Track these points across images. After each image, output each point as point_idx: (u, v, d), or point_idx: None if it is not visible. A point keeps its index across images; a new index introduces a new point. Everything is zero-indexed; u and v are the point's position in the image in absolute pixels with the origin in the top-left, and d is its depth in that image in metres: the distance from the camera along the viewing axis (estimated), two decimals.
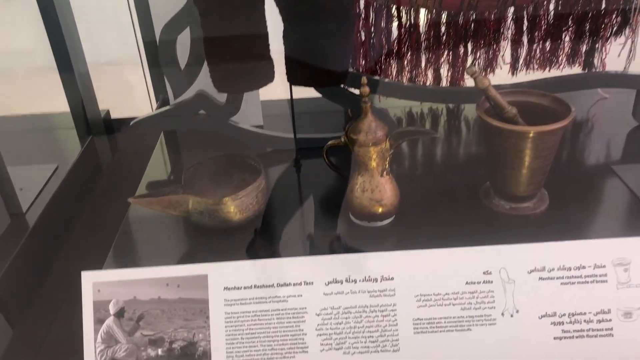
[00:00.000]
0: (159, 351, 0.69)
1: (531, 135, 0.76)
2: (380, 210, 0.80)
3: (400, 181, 0.82)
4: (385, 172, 0.79)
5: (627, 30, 1.03)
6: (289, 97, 0.93)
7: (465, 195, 0.88)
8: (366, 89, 0.75)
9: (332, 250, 0.79)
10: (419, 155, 1.01)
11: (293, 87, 0.93)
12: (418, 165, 0.99)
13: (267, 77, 0.94)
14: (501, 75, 1.13)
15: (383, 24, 1.05)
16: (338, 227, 0.83)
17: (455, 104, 1.14)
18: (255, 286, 0.70)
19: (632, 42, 1.02)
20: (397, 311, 0.69)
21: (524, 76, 1.12)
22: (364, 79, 0.74)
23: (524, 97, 0.83)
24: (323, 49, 0.90)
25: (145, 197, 0.78)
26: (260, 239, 0.82)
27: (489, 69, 1.12)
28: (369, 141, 0.76)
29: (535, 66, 1.13)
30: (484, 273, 0.69)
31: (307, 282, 0.70)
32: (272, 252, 0.81)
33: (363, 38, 1.05)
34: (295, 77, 0.92)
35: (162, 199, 0.78)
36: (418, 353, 0.68)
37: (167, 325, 0.69)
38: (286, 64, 0.92)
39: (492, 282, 0.69)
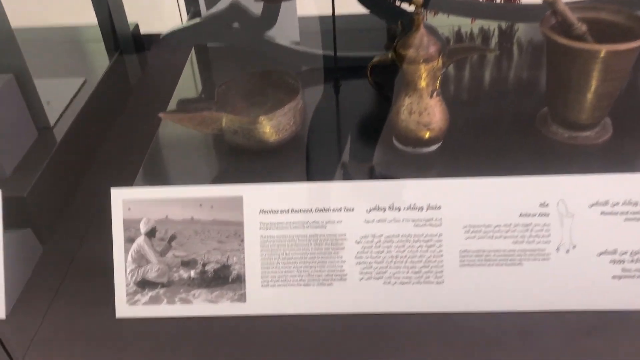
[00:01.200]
0: (192, 273, 0.66)
1: (602, 55, 0.68)
2: (427, 135, 0.74)
3: (448, 104, 0.75)
4: (435, 93, 0.73)
5: None
6: (328, 12, 0.86)
7: (520, 122, 0.81)
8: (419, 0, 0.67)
9: (372, 177, 0.75)
10: (470, 77, 0.94)
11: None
12: (468, 88, 0.92)
13: None
14: None
15: None
16: (380, 153, 0.78)
17: (509, 23, 1.04)
18: (292, 210, 0.66)
19: None
20: (443, 242, 0.64)
21: None
22: None
23: (595, 13, 0.74)
24: None
25: (177, 112, 0.74)
26: (297, 162, 0.77)
27: None
28: (420, 57, 0.69)
29: None
30: (541, 205, 0.64)
31: (347, 208, 0.65)
32: (309, 175, 0.76)
33: None
34: None
35: (195, 116, 0.74)
36: (463, 286, 0.64)
37: (200, 246, 0.67)
38: None
39: (548, 214, 0.64)
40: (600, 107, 0.73)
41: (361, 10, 0.91)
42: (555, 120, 0.77)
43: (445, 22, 1.06)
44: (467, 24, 1.07)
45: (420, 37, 0.70)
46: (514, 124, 0.81)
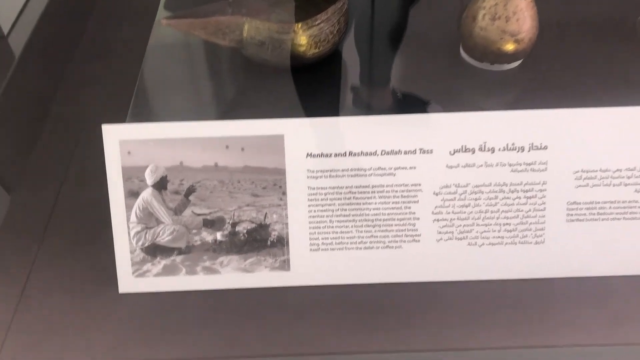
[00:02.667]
0: (218, 235, 0.51)
1: None
2: (513, 47, 0.57)
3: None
4: None
5: None
6: None
7: (620, 33, 0.64)
8: None
9: (444, 104, 0.58)
10: None
11: None
12: None
13: None
14: None
15: None
16: (446, 70, 0.61)
17: None
18: (350, 153, 0.49)
19: None
20: (548, 191, 0.50)
21: None
22: None
23: None
24: None
25: (185, 17, 0.54)
26: (343, 85, 0.59)
27: None
28: None
29: None
30: None
31: (424, 149, 0.49)
32: (361, 105, 0.59)
33: None
34: None
35: (207, 21, 0.54)
36: (569, 246, 0.51)
37: (229, 202, 0.50)
38: None
39: None
40: None
41: None
42: None
43: None
44: None
45: None
46: (613, 34, 0.64)
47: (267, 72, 0.59)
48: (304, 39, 0.56)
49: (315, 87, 0.59)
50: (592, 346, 0.47)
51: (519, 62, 0.60)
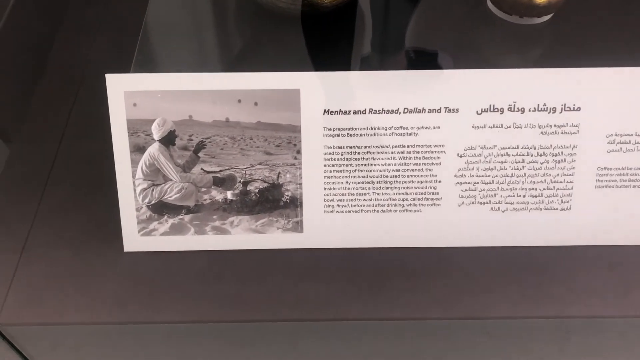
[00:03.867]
0: (229, 194, 0.48)
1: None
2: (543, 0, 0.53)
3: None
4: None
5: None
6: None
7: None
8: None
9: (470, 60, 0.55)
10: None
11: None
12: None
13: None
14: None
15: None
16: (472, 23, 0.57)
17: None
18: (371, 111, 0.46)
19: None
20: (578, 155, 0.47)
21: None
22: None
23: None
24: None
25: None
26: (363, 37, 0.55)
27: None
28: None
29: None
30: None
31: (449, 108, 0.46)
32: (381, 58, 0.55)
33: None
34: None
35: None
36: (596, 214, 0.48)
37: (240, 159, 0.48)
38: None
39: None
40: None
41: None
42: None
43: None
44: None
45: None
46: None
47: (282, 21, 0.55)
48: None
49: (334, 39, 0.55)
50: (608, 317, 0.45)
51: (550, 15, 0.56)
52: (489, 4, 0.57)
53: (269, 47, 0.55)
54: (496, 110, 0.46)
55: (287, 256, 0.49)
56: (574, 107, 0.46)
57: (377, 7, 0.56)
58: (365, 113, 0.46)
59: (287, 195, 0.48)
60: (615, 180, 0.48)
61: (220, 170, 0.48)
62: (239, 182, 0.48)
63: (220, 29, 0.57)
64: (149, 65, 0.54)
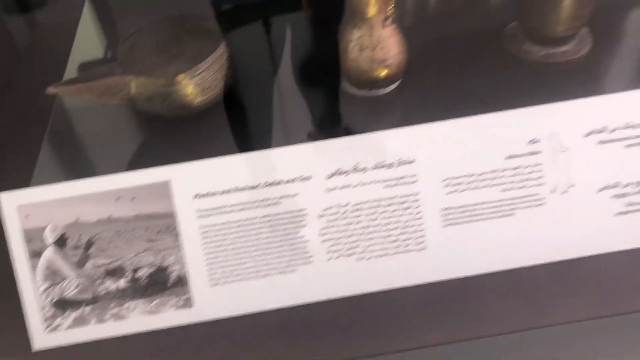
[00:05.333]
0: (121, 282, 0.54)
1: None
2: (384, 73, 0.62)
3: (404, 31, 0.63)
4: (389, 21, 0.60)
5: None
6: None
7: (487, 44, 0.69)
8: None
9: (326, 133, 0.62)
10: None
11: None
12: (424, 9, 0.79)
13: None
14: None
15: None
16: (329, 101, 0.65)
17: None
18: (236, 189, 0.53)
19: None
20: (421, 201, 0.54)
21: None
22: None
23: None
24: None
25: (71, 83, 0.58)
26: (232, 127, 0.63)
27: None
28: None
29: None
30: (529, 142, 0.53)
31: (303, 176, 0.53)
32: (248, 142, 0.63)
33: None
34: None
35: (94, 84, 0.58)
36: (449, 248, 0.54)
37: (126, 249, 0.53)
38: None
39: (539, 152, 0.54)
40: (579, 15, 0.62)
41: None
42: (528, 35, 0.66)
43: None
44: None
45: None
46: (480, 46, 0.69)
47: (161, 124, 0.63)
48: (189, 88, 0.61)
49: (207, 133, 0.63)
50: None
51: (395, 84, 0.65)
52: (344, 83, 0.66)
53: (152, 148, 0.62)
54: (342, 172, 0.53)
55: (182, 333, 0.53)
56: (408, 160, 0.53)
57: (245, 101, 0.65)
58: (230, 192, 0.53)
59: (174, 276, 0.54)
60: (458, 217, 0.54)
61: (111, 262, 0.53)
62: (129, 270, 0.54)
63: (108, 140, 0.65)
64: (47, 179, 0.61)
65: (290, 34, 0.74)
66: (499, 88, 0.64)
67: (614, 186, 0.54)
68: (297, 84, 0.68)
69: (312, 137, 0.61)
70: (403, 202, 0.54)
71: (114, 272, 0.54)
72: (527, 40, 0.66)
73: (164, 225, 0.53)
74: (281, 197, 0.53)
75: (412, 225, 0.54)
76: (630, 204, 0.54)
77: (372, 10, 0.59)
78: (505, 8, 0.72)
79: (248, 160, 0.53)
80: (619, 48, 0.67)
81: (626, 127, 0.53)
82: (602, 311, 0.51)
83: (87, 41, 0.84)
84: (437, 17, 0.75)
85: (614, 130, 0.54)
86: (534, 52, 0.66)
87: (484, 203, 0.54)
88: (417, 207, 0.54)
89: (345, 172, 0.53)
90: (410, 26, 0.71)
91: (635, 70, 0.65)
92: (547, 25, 0.63)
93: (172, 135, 0.62)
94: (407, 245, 0.54)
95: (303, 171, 0.53)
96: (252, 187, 0.53)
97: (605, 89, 0.54)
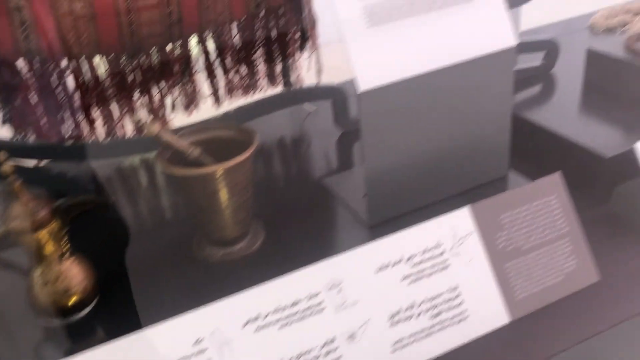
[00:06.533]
0: None
1: (219, 173, 0.70)
2: (71, 301, 0.67)
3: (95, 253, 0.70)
4: (66, 255, 0.66)
5: (309, 46, 1.05)
6: None
7: (177, 256, 0.78)
8: (7, 167, 0.61)
9: None
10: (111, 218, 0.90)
11: None
12: (111, 232, 0.87)
13: None
14: (208, 109, 1.07)
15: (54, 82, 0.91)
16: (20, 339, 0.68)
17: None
18: None
19: (316, 56, 1.04)
20: None
21: (229, 105, 1.07)
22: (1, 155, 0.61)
23: (210, 133, 0.77)
24: None
25: None
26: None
27: (192, 105, 1.06)
28: (29, 227, 0.63)
29: (239, 93, 1.09)
30: (195, 343, 0.60)
31: None
32: None
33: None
34: None
35: None
36: None
37: None
38: None
39: (206, 350, 0.60)
40: (239, 219, 0.75)
41: None
42: (207, 241, 0.77)
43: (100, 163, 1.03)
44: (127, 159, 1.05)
45: (25, 204, 0.63)
46: (168, 260, 0.78)
47: None
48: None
49: None
50: None
51: (89, 307, 0.70)
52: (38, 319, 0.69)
53: None
54: None
55: None
56: None
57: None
58: None
59: None
60: None
61: None
62: None
63: None
64: None
65: None
66: (187, 294, 0.72)
67: None
68: None
69: None
70: None
71: None
72: (208, 245, 0.77)
73: None
74: None
75: None
76: None
77: (47, 249, 0.65)
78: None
79: None
80: (286, 234, 0.80)
81: (276, 311, 0.63)
82: None
83: None
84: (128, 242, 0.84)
85: (266, 315, 0.63)
86: (215, 253, 0.76)
87: None
88: None
89: None
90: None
91: (300, 251, 0.77)
92: (217, 230, 0.74)
93: None
94: None
95: None
96: None
97: (276, 274, 0.63)
